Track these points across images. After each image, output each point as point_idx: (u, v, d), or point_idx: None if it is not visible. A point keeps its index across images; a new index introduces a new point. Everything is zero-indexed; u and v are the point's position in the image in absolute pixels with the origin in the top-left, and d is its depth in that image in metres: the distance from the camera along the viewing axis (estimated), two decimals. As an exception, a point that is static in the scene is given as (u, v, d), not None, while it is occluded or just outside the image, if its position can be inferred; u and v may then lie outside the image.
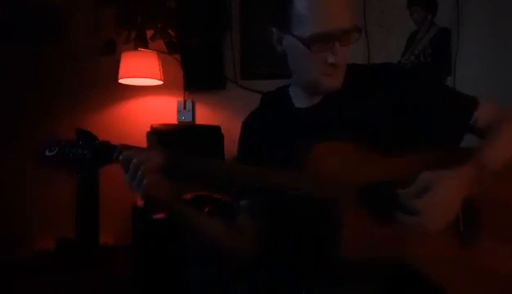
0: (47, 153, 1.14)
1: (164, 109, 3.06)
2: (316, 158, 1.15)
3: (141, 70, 2.86)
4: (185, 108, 3.04)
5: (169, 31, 2.90)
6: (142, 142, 1.16)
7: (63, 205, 2.84)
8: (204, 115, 3.04)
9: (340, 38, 1.17)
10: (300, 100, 1.31)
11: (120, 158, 1.11)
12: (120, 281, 2.58)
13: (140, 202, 2.58)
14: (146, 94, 3.08)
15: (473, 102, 1.22)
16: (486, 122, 1.20)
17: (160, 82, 2.93)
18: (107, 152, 1.13)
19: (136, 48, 2.86)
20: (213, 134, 2.74)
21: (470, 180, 1.09)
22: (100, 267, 2.66)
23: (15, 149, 2.98)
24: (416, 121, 1.22)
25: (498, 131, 1.17)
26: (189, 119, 3.04)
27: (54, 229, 2.90)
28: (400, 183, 1.10)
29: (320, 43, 1.17)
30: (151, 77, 2.88)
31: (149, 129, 2.65)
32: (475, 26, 2.68)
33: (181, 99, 3.04)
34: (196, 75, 2.98)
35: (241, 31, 2.99)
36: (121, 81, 2.90)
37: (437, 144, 1.19)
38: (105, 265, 2.69)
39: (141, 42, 2.86)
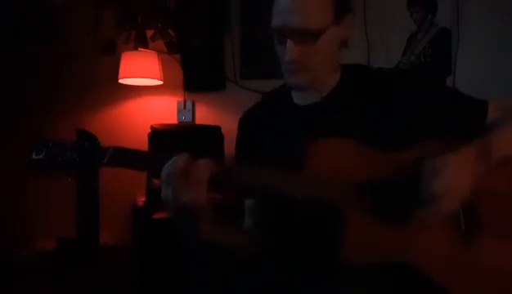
0: (34, 156, 1.04)
1: (164, 109, 3.06)
2: (315, 155, 1.12)
3: (141, 70, 2.85)
4: (185, 108, 3.04)
5: (169, 31, 2.89)
6: (142, 142, 1.14)
7: (63, 205, 2.84)
8: (204, 115, 3.04)
9: (292, 37, 1.13)
10: (300, 97, 1.29)
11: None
12: (120, 281, 2.58)
13: (140, 203, 2.58)
14: (146, 94, 3.08)
15: (483, 102, 1.22)
16: (493, 118, 1.19)
17: (160, 82, 2.93)
18: (98, 154, 1.04)
19: (136, 48, 2.86)
20: (213, 134, 2.74)
21: (475, 160, 1.09)
22: (100, 267, 2.66)
23: (15, 148, 2.98)
24: (421, 123, 1.20)
25: (503, 121, 1.16)
26: (189, 119, 3.04)
27: (54, 229, 2.90)
28: (401, 180, 1.10)
29: (276, 38, 1.17)
30: (151, 77, 2.88)
31: (149, 129, 2.65)
32: (475, 26, 2.69)
33: (181, 99, 3.04)
34: (196, 75, 2.98)
35: (241, 31, 2.99)
36: (121, 81, 2.90)
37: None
38: (105, 265, 2.69)
39: (141, 42, 2.86)
